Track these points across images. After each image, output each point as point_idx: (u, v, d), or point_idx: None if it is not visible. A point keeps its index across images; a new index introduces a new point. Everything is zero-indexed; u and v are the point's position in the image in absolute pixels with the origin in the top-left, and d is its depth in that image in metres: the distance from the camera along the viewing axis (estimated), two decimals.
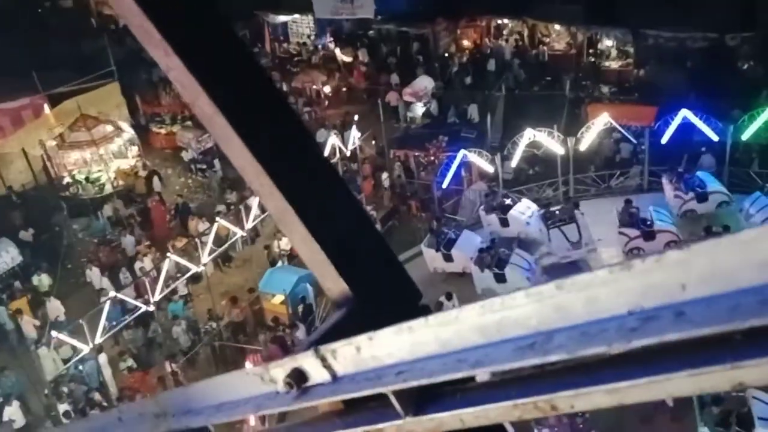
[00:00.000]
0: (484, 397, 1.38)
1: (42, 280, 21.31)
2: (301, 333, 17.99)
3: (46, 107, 27.19)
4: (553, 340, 1.15)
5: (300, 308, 19.08)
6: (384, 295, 1.82)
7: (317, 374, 1.51)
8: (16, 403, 16.94)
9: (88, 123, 25.99)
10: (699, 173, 19.36)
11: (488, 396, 1.37)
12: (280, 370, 1.57)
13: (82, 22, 37.80)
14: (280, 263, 21.05)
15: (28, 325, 19.33)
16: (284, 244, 21.03)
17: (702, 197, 18.84)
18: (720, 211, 18.75)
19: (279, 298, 19.25)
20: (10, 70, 26.79)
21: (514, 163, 21.71)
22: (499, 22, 32.50)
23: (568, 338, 1.13)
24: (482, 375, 1.30)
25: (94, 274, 21.20)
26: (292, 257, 20.69)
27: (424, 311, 1.58)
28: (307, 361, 1.52)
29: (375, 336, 1.40)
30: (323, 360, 1.49)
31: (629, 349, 1.06)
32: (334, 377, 1.49)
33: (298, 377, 1.54)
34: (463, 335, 1.29)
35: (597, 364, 1.17)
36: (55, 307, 19.81)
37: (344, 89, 31.59)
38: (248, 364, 15.78)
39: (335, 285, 1.77)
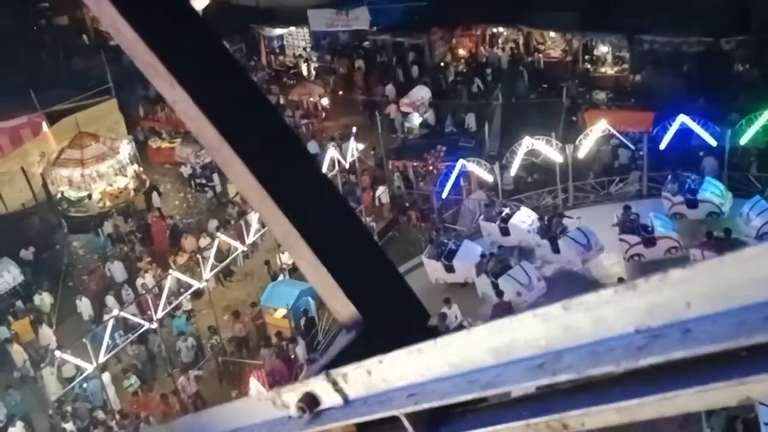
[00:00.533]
0: (496, 418, 1.38)
1: (44, 299, 21.25)
2: (300, 348, 17.90)
3: (45, 125, 27.24)
4: (563, 360, 1.16)
5: (302, 322, 19.05)
6: (392, 317, 1.82)
7: (329, 398, 1.53)
8: (20, 424, 16.86)
9: (84, 141, 26.06)
10: (707, 178, 19.19)
11: (500, 416, 1.38)
12: (292, 394, 1.59)
13: (78, 39, 37.98)
14: (281, 277, 21.04)
15: (18, 355, 19.02)
16: (285, 258, 21.01)
17: (692, 203, 18.82)
18: (711, 219, 18.65)
19: (281, 312, 19.22)
20: (7, 88, 26.91)
21: (513, 171, 21.73)
22: (495, 30, 32.63)
23: (577, 358, 1.15)
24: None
25: (83, 305, 20.73)
26: (293, 271, 20.68)
27: (433, 332, 1.57)
28: (319, 385, 1.53)
29: (385, 359, 1.42)
30: (335, 384, 1.50)
31: (638, 367, 1.08)
32: (346, 401, 1.50)
33: (310, 401, 1.55)
34: (474, 356, 1.30)
35: (606, 382, 1.18)
36: (46, 335, 19.68)
37: (341, 101, 31.67)
38: (252, 380, 15.74)
39: (344, 308, 1.78)
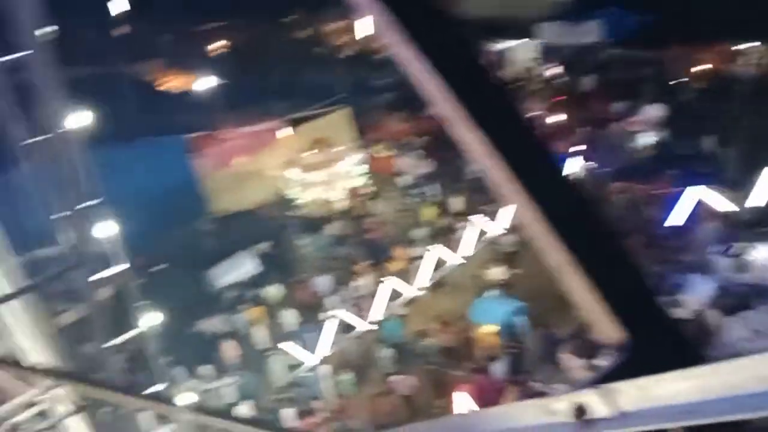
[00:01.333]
0: None
1: (272, 291, 23.08)
2: (500, 366, 17.73)
3: (285, 131, 29.77)
4: None
5: (511, 340, 18.88)
6: (659, 340, 2.02)
7: (599, 409, 1.71)
8: (248, 403, 18.48)
9: (314, 147, 28.14)
10: None
11: None
12: (563, 403, 1.79)
13: (315, 52, 41.01)
14: (491, 292, 21.00)
15: (230, 350, 20.33)
16: (497, 273, 20.99)
17: None
18: None
19: (490, 327, 19.21)
20: (257, 97, 29.92)
21: (753, 202, 19.82)
22: (740, 46, 30.01)
23: None
24: None
25: (286, 315, 21.38)
26: (504, 287, 20.61)
27: (696, 356, 1.79)
28: (589, 398, 1.72)
29: (661, 378, 1.60)
30: (606, 397, 1.69)
31: None
32: (618, 413, 1.67)
33: (580, 411, 1.74)
34: (743, 383, 1.42)
35: None
36: (260, 335, 20.71)
37: (568, 116, 30.89)
38: (460, 394, 15.92)
39: (613, 330, 1.99)
